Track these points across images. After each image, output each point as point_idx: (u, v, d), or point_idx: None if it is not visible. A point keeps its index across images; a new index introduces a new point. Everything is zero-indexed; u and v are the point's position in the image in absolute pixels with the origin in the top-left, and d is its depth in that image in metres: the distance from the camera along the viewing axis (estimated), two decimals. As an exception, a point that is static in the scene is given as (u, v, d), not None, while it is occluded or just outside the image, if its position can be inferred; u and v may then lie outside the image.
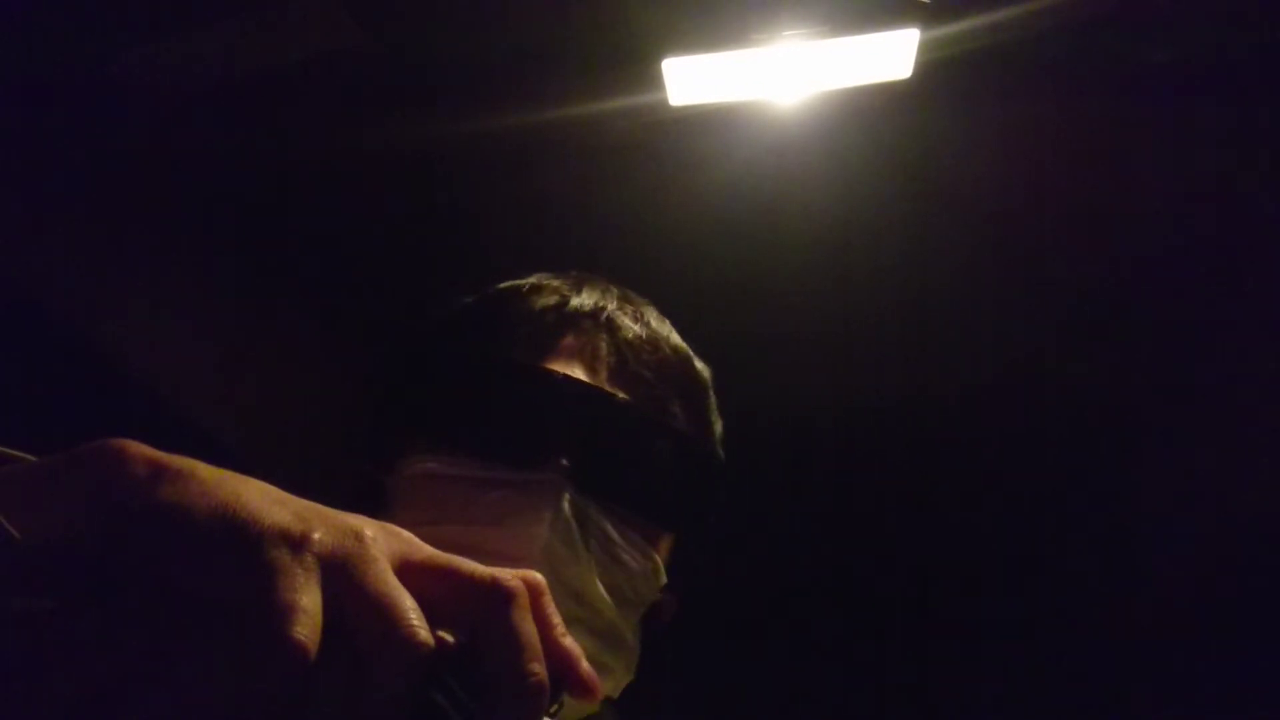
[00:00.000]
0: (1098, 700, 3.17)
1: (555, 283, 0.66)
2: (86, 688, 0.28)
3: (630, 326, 0.63)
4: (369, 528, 0.33)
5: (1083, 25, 1.94)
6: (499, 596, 0.33)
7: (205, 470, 0.32)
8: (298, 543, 0.30)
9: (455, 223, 2.50)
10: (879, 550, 3.34)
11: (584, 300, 0.64)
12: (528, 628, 0.33)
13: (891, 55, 1.96)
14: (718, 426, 0.68)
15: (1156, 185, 2.35)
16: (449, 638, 0.33)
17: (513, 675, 0.32)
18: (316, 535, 0.31)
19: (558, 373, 0.58)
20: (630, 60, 2.04)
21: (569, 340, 0.61)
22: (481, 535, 0.54)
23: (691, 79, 2.02)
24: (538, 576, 0.35)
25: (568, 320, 0.62)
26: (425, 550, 0.34)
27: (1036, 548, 3.21)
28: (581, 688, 0.36)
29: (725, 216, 2.50)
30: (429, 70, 2.13)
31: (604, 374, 0.60)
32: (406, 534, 0.35)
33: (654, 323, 0.65)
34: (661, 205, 2.47)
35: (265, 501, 0.31)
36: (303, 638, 0.28)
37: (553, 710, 0.37)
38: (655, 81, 2.03)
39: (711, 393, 0.67)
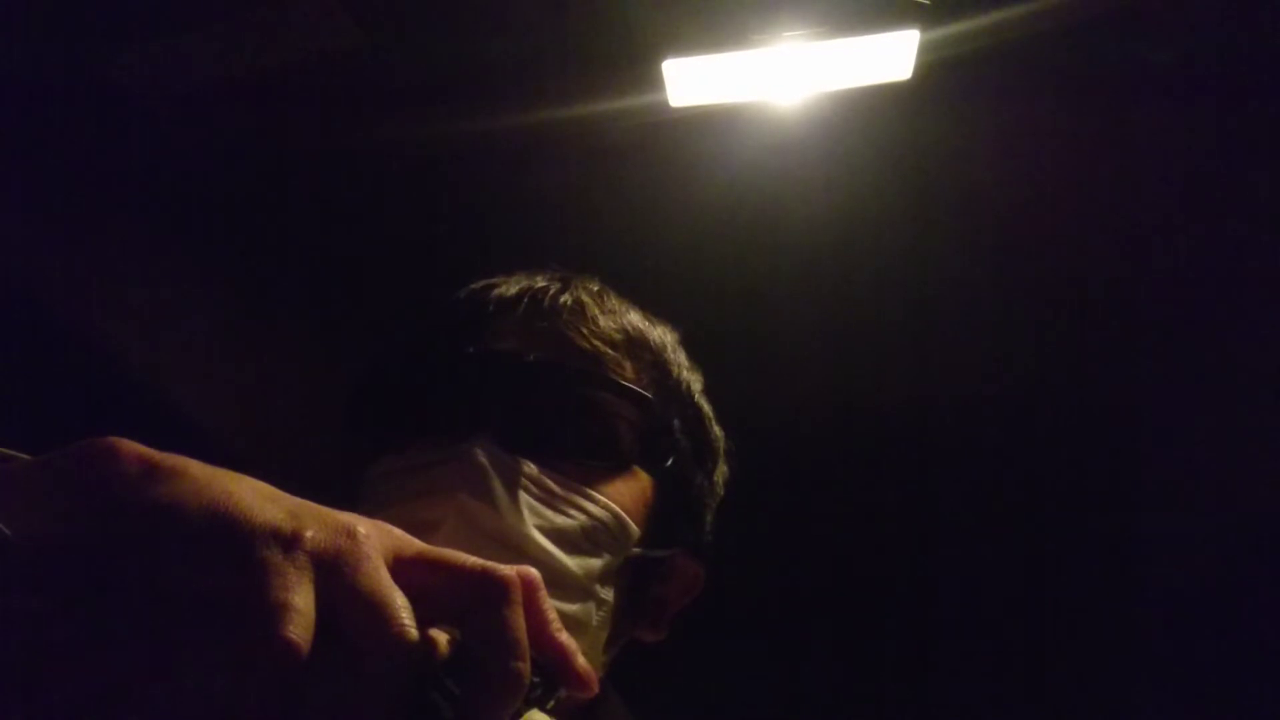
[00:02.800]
0: (1098, 702, 3.17)
1: (493, 279, 0.68)
2: (79, 688, 0.28)
3: (555, 298, 0.65)
4: (361, 525, 0.33)
5: (1083, 25, 1.94)
6: (491, 590, 0.33)
7: (198, 468, 0.32)
8: (290, 541, 0.30)
9: (455, 223, 2.50)
10: (879, 552, 3.33)
11: (509, 287, 0.66)
12: (517, 622, 0.33)
13: (891, 56, 1.96)
14: (685, 378, 0.68)
15: (1157, 186, 2.35)
16: (442, 634, 0.33)
17: (497, 670, 0.32)
18: (309, 533, 0.31)
19: (474, 349, 0.61)
20: (630, 61, 2.04)
21: (491, 324, 0.64)
22: (409, 509, 0.56)
23: (691, 80, 2.02)
24: (532, 571, 0.35)
25: (492, 306, 0.65)
26: (417, 545, 0.34)
27: (1037, 549, 3.20)
28: (577, 681, 0.36)
29: (725, 217, 2.50)
30: (429, 70, 2.13)
31: (524, 342, 0.62)
32: (398, 530, 0.35)
33: (585, 294, 0.67)
34: (661, 206, 2.47)
35: (258, 499, 0.31)
36: (295, 636, 0.28)
37: (550, 706, 0.37)
38: (655, 82, 2.03)
39: (670, 348, 0.68)
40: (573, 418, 0.60)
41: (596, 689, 0.37)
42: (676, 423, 0.65)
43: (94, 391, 2.17)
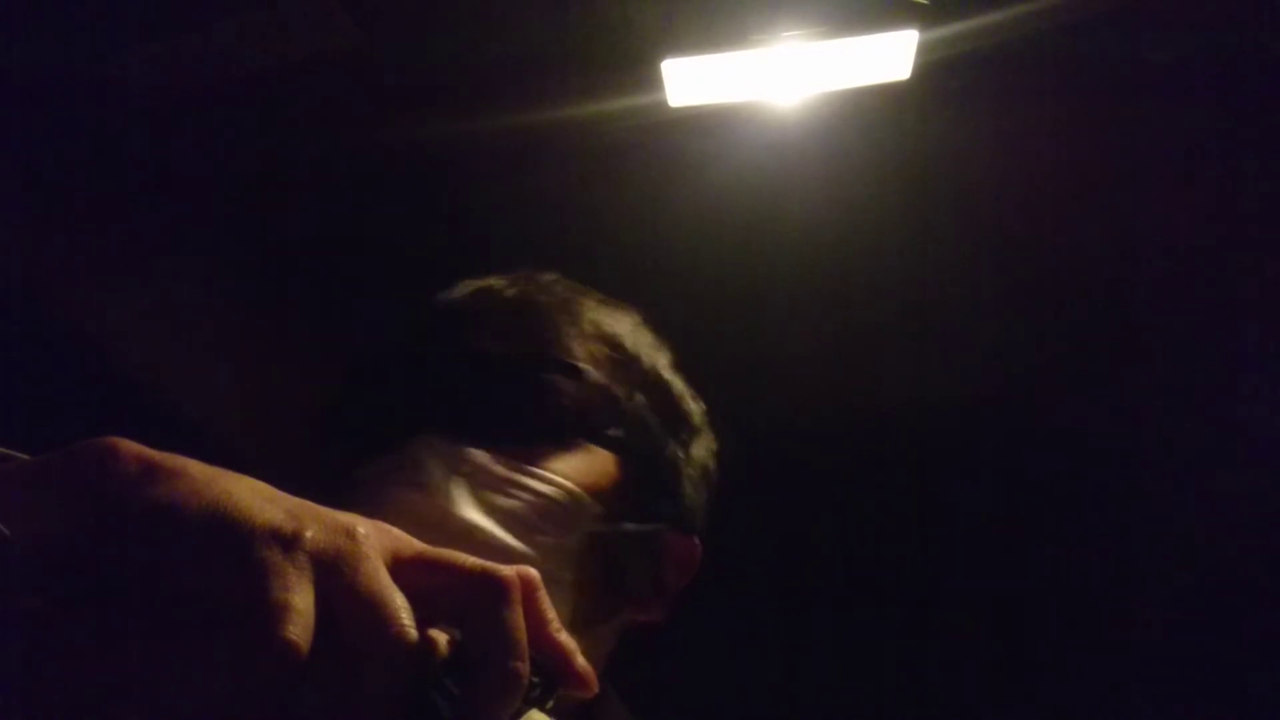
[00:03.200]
0: (1098, 702, 3.17)
1: (455, 284, 0.69)
2: (78, 688, 0.28)
3: (501, 293, 0.66)
4: (361, 525, 0.33)
5: (1082, 25, 1.94)
6: (490, 590, 0.33)
7: (197, 468, 0.32)
8: (289, 541, 0.30)
9: (454, 223, 2.50)
10: (878, 551, 3.33)
11: (460, 291, 0.67)
12: (516, 622, 0.33)
13: (891, 56, 1.96)
14: (645, 355, 0.68)
15: (1156, 186, 2.35)
16: (441, 634, 0.33)
17: (496, 670, 0.33)
18: (308, 533, 0.31)
19: (419, 352, 0.62)
20: (629, 61, 2.04)
21: (439, 324, 0.65)
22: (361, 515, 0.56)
23: (691, 79, 2.02)
24: (531, 571, 0.36)
25: (443, 307, 0.66)
26: (417, 545, 0.35)
27: (1036, 549, 3.20)
28: (577, 681, 0.36)
29: (724, 217, 2.50)
30: (429, 70, 2.13)
31: (461, 336, 0.63)
32: (397, 530, 0.35)
33: (533, 286, 0.67)
34: (660, 206, 2.47)
35: (257, 499, 0.31)
36: (294, 637, 0.28)
37: (549, 706, 0.37)
38: (654, 82, 2.03)
39: (622, 323, 0.68)
40: (507, 400, 0.60)
41: (596, 689, 0.37)
42: (638, 396, 0.64)
43: (94, 391, 2.17)
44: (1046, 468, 3.10)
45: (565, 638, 0.36)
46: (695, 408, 0.70)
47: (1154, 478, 3.03)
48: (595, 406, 0.62)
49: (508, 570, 0.34)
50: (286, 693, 0.29)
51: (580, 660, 0.36)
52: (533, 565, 0.57)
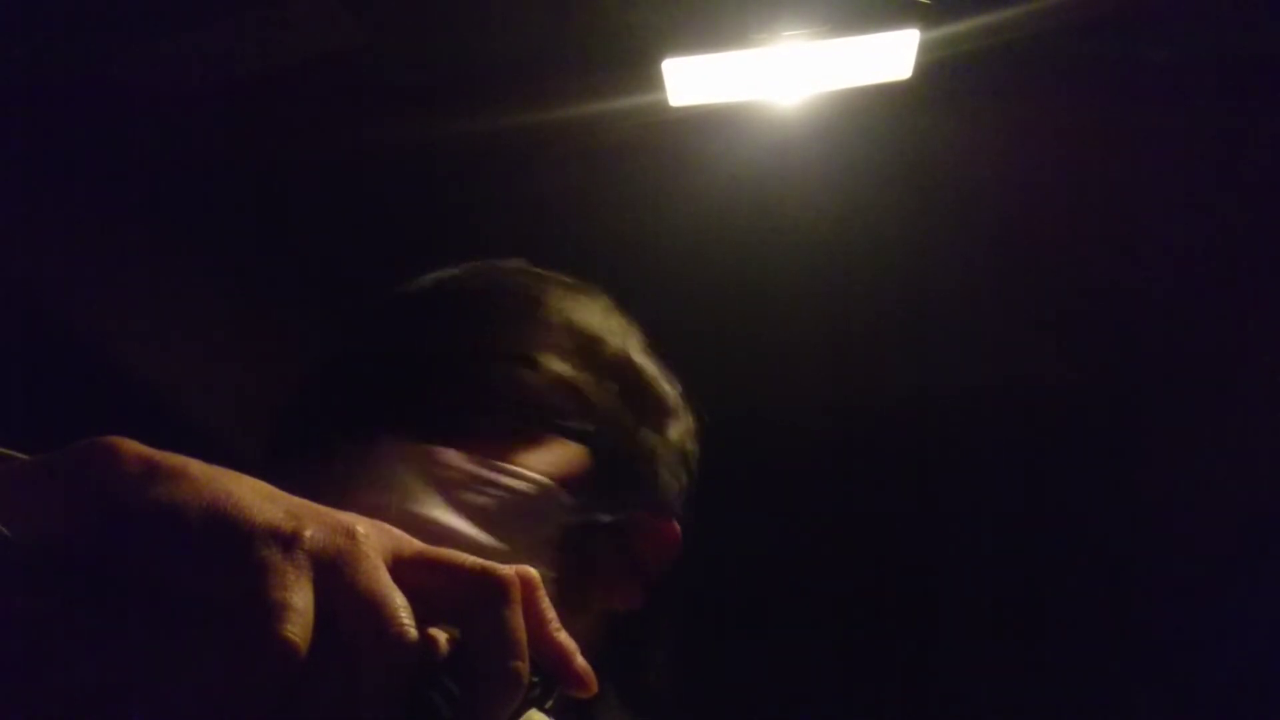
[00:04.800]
0: (1098, 701, 3.17)
1: (413, 280, 0.68)
2: (79, 687, 0.28)
3: (463, 283, 0.65)
4: (361, 525, 0.33)
5: (1082, 25, 1.94)
6: (490, 590, 0.33)
7: (198, 467, 0.32)
8: (289, 540, 0.30)
9: (455, 223, 2.50)
10: (878, 549, 3.33)
11: (419, 283, 0.66)
12: (516, 622, 0.33)
13: (891, 56, 1.96)
14: (612, 340, 0.66)
15: (1157, 186, 2.35)
16: (441, 634, 0.33)
17: (496, 669, 0.32)
18: (308, 533, 0.31)
19: (379, 348, 0.61)
20: (630, 60, 2.04)
21: (400, 318, 0.64)
22: None
23: (691, 79, 2.02)
24: (531, 571, 0.35)
25: (399, 305, 0.65)
26: (416, 545, 0.34)
27: (1036, 548, 3.20)
28: (576, 682, 0.36)
29: (725, 217, 2.50)
30: (429, 70, 2.13)
31: (419, 331, 0.62)
32: (398, 530, 0.35)
33: (498, 274, 0.66)
34: (661, 206, 2.47)
35: (257, 498, 0.31)
36: (293, 636, 0.28)
37: (548, 706, 0.37)
38: (655, 82, 2.03)
39: (587, 310, 0.67)
40: (474, 396, 0.59)
41: (596, 689, 0.37)
42: (608, 383, 0.63)
43: (94, 391, 2.17)
44: (1046, 466, 3.10)
45: (565, 638, 0.36)
46: (669, 390, 0.68)
47: (1154, 477, 3.03)
48: (560, 397, 0.60)
49: (508, 570, 0.34)
50: (286, 692, 0.29)
51: (580, 660, 0.36)
52: (514, 559, 0.56)
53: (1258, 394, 2.68)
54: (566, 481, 0.59)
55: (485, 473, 0.56)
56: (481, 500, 0.56)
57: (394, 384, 0.58)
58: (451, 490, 0.55)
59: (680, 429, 0.68)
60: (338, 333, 0.68)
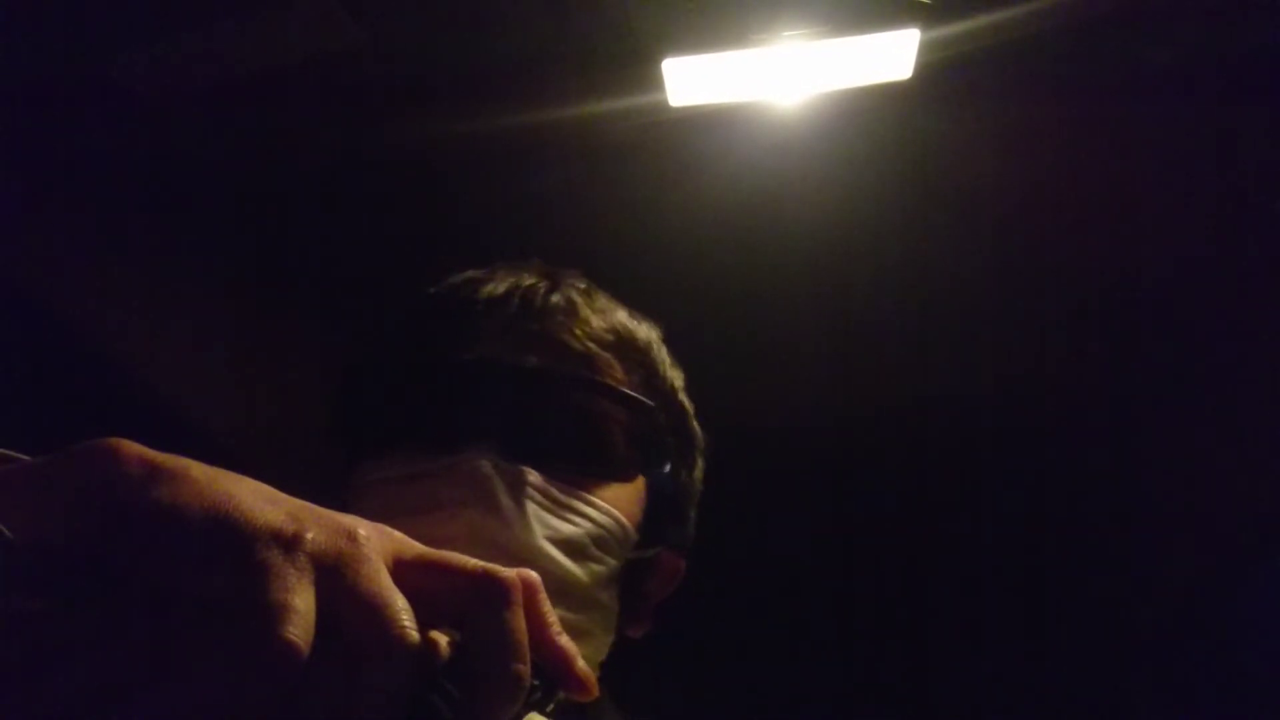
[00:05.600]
0: (1098, 701, 3.17)
1: (475, 275, 0.67)
2: (80, 689, 0.28)
3: (545, 298, 0.64)
4: (362, 527, 0.33)
5: (1083, 25, 1.93)
6: (491, 592, 0.33)
7: (199, 469, 0.32)
8: (290, 542, 0.30)
9: (455, 223, 2.50)
10: (877, 551, 3.33)
11: (496, 286, 0.65)
12: (517, 624, 0.33)
13: (892, 56, 1.96)
14: (670, 376, 0.68)
15: (1157, 186, 2.35)
16: (442, 636, 0.33)
17: (497, 672, 0.32)
18: (309, 535, 0.31)
19: (467, 356, 0.60)
20: (630, 60, 2.04)
21: (481, 325, 0.62)
22: (415, 526, 0.54)
23: (691, 79, 2.02)
24: (532, 574, 0.35)
25: (480, 307, 0.63)
26: (417, 548, 0.35)
27: (1037, 552, 3.20)
28: (577, 685, 0.36)
29: (725, 217, 2.50)
30: (429, 70, 2.13)
31: (518, 346, 0.61)
32: (399, 533, 0.35)
33: (574, 292, 0.65)
34: (661, 206, 2.47)
35: (258, 501, 0.31)
36: (294, 638, 0.28)
37: (549, 710, 0.37)
38: (655, 82, 2.03)
39: (656, 347, 0.68)
40: (573, 425, 0.59)
41: (596, 693, 0.37)
42: (662, 418, 0.65)
43: (94, 392, 2.17)
44: (1046, 467, 3.10)
45: (565, 640, 0.36)
46: (698, 431, 0.71)
47: (1154, 477, 3.03)
48: (640, 436, 0.62)
49: (509, 572, 0.34)
50: (287, 694, 0.29)
51: (581, 664, 0.36)
52: (586, 591, 0.57)
53: (1258, 394, 2.68)
54: (633, 518, 0.61)
55: (574, 503, 0.57)
56: (568, 530, 0.57)
57: (488, 396, 0.58)
58: (545, 515, 0.56)
59: (700, 470, 0.70)
60: (407, 330, 0.66)
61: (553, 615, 0.36)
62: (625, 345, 0.65)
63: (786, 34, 1.92)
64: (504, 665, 0.32)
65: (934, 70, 1.99)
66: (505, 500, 0.55)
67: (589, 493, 0.59)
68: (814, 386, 2.89)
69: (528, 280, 0.65)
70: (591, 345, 0.62)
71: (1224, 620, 2.92)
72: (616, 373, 0.63)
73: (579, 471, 0.59)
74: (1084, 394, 2.94)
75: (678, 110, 2.10)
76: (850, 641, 3.31)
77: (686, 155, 2.34)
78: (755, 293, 2.69)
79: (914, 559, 3.36)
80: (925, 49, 1.94)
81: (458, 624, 0.33)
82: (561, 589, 0.56)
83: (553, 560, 0.56)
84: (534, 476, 0.57)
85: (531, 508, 0.56)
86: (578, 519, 0.57)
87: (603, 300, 0.67)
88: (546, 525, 0.56)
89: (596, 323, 0.64)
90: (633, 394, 0.62)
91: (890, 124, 2.21)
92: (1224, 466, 2.83)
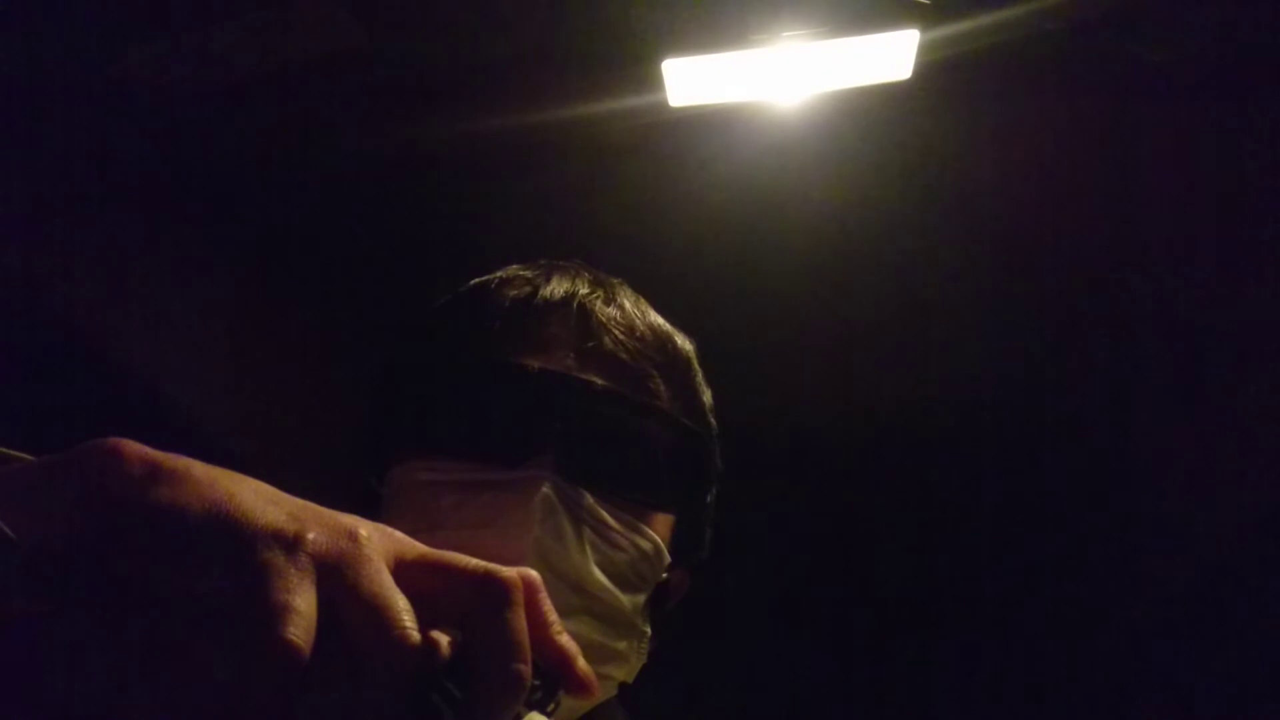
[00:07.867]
0: (1097, 701, 3.17)
1: (525, 273, 0.65)
2: (82, 689, 0.28)
3: (604, 310, 0.63)
4: (363, 527, 0.33)
5: (1082, 25, 1.93)
6: (493, 592, 0.33)
7: (200, 469, 0.32)
8: (292, 543, 0.30)
9: (455, 223, 2.50)
10: (878, 551, 3.33)
11: (554, 288, 0.63)
12: (518, 624, 0.33)
13: (891, 56, 1.96)
14: (705, 398, 0.68)
15: (1157, 186, 2.35)
16: (443, 636, 0.33)
17: (498, 672, 0.33)
18: (311, 535, 0.31)
19: (533, 366, 0.58)
20: (630, 61, 2.04)
21: (542, 331, 0.61)
22: (474, 539, 0.54)
23: (691, 79, 2.02)
24: (533, 573, 0.35)
25: (539, 310, 0.62)
26: (419, 548, 0.35)
27: (1038, 553, 3.20)
28: (578, 685, 0.36)
29: (725, 217, 2.50)
30: (429, 70, 2.13)
31: (580, 361, 0.60)
32: (400, 534, 0.35)
33: (628, 304, 0.65)
34: (661, 206, 2.47)
35: (260, 501, 0.31)
36: (296, 638, 0.28)
37: (550, 709, 0.37)
38: (655, 82, 2.03)
39: (695, 366, 0.67)
40: (629, 451, 0.59)
41: (598, 693, 0.37)
42: (707, 453, 0.65)
43: (95, 392, 2.17)
44: (1046, 467, 3.10)
45: (567, 640, 0.36)
46: (717, 453, 0.70)
47: (1154, 477, 3.03)
48: (686, 466, 0.62)
49: (509, 572, 0.34)
50: (288, 694, 0.29)
51: (582, 664, 0.36)
52: (629, 619, 0.57)
53: (1258, 394, 2.68)
54: (668, 543, 0.61)
55: (627, 532, 0.57)
56: (620, 557, 0.57)
57: (559, 415, 0.57)
58: (600, 543, 0.56)
59: (715, 492, 0.70)
60: (461, 325, 0.63)
61: (554, 614, 0.36)
62: (671, 365, 0.64)
63: (786, 34, 1.92)
64: (505, 665, 0.32)
65: (934, 70, 1.99)
66: (567, 526, 0.55)
67: (638, 519, 0.58)
68: (814, 386, 2.89)
69: (583, 288, 0.64)
70: (645, 365, 0.62)
71: (1224, 620, 2.92)
72: (664, 394, 0.62)
73: (628, 498, 0.58)
74: (1084, 394, 2.94)
75: (678, 110, 2.10)
76: (850, 641, 3.31)
77: (686, 155, 2.34)
78: (755, 292, 2.69)
79: (914, 559, 3.36)
80: (925, 49, 1.94)
81: (459, 624, 0.33)
82: (608, 616, 0.57)
83: (605, 589, 0.56)
84: (589, 500, 0.56)
85: (587, 533, 0.55)
86: (626, 546, 0.57)
87: (652, 314, 0.66)
88: (599, 551, 0.56)
89: (649, 339, 0.63)
90: (686, 422, 0.62)
91: (890, 124, 2.21)
92: (1224, 466, 2.83)
